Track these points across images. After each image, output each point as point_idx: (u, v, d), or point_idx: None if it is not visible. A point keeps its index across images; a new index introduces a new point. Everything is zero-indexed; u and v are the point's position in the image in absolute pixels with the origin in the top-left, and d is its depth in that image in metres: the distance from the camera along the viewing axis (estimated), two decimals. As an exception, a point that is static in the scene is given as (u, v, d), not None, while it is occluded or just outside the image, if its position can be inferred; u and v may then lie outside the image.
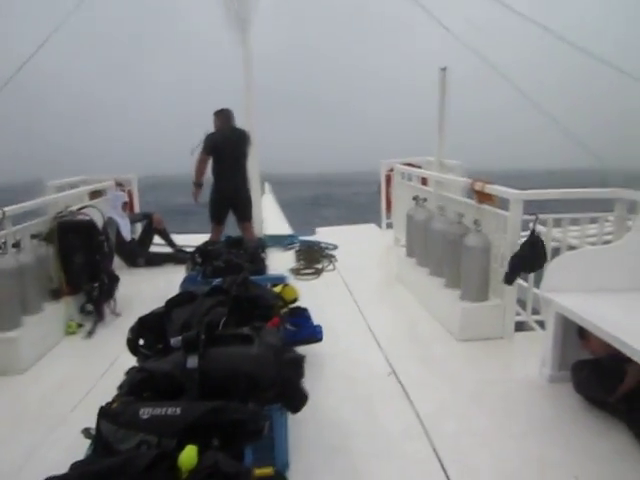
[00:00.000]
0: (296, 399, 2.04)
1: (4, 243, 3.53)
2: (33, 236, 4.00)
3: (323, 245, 6.51)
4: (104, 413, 1.70)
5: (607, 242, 3.61)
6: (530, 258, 3.29)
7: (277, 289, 3.14)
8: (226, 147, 5.60)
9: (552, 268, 2.99)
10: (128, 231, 5.98)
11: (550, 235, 3.58)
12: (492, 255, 3.65)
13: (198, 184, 5.70)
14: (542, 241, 3.31)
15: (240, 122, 5.89)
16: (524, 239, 3.38)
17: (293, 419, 2.28)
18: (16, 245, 3.64)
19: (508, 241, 3.47)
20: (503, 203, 3.70)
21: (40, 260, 3.88)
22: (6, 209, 3.75)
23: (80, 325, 4.06)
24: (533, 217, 3.40)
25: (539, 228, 3.46)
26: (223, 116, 5.65)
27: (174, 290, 3.16)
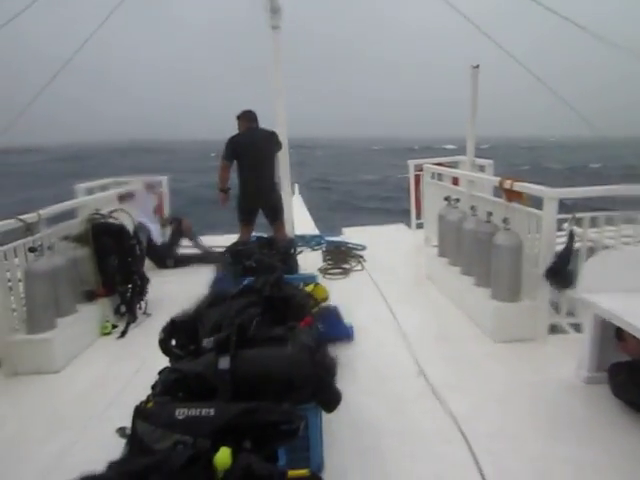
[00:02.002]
0: (331, 398, 2.03)
1: (40, 246, 3.61)
2: (65, 238, 4.09)
3: (351, 245, 6.48)
4: (139, 413, 1.72)
5: None
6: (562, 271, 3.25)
7: (308, 288, 3.13)
8: (248, 150, 5.47)
9: (589, 268, 2.91)
10: (159, 235, 6.08)
11: (586, 235, 3.49)
12: (525, 255, 3.59)
13: (222, 190, 5.60)
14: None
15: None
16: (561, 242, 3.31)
17: (326, 419, 2.27)
18: (50, 247, 3.71)
19: (543, 241, 3.39)
20: (535, 201, 3.63)
21: (73, 262, 3.95)
22: (41, 212, 3.83)
23: (115, 326, 4.14)
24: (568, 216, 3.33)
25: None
26: (245, 118, 5.55)
27: (202, 289, 3.18)
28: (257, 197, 5.57)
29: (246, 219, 5.66)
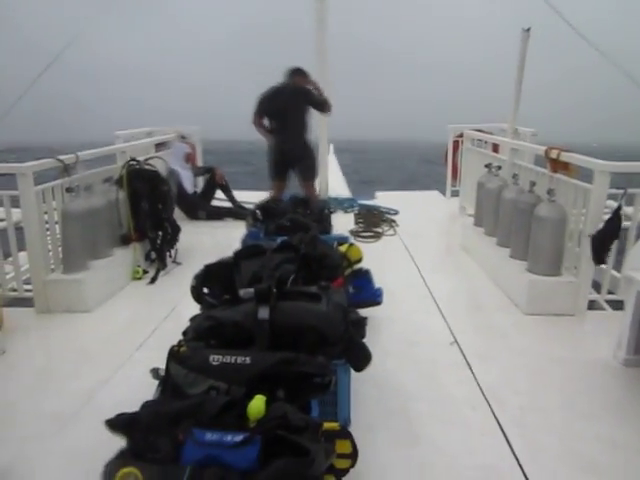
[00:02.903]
0: (361, 357, 2.01)
1: (77, 186, 3.63)
2: (106, 180, 4.12)
3: (383, 210, 6.39)
4: (173, 356, 1.71)
5: None
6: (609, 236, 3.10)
7: (342, 248, 3.08)
8: (273, 105, 5.44)
9: (638, 247, 2.79)
10: (191, 183, 6.08)
11: (638, 213, 3.35)
12: (568, 229, 3.47)
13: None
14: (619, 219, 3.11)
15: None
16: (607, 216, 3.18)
17: (354, 377, 2.25)
18: (88, 189, 3.73)
19: (590, 216, 3.25)
20: (583, 174, 3.48)
21: (110, 205, 4.00)
22: (79, 154, 3.84)
23: (145, 271, 4.19)
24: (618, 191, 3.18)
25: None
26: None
27: (233, 244, 3.16)
28: (283, 152, 5.53)
29: (276, 175, 5.64)
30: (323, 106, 5.48)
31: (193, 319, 2.01)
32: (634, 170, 3.29)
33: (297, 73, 5.49)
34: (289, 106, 5.42)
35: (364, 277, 3.35)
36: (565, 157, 3.54)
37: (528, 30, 5.11)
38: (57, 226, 3.65)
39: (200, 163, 7.04)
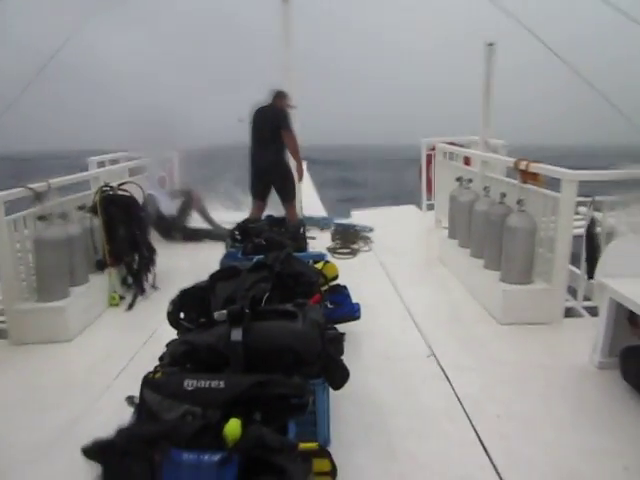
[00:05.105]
0: (338, 375, 2.02)
1: (50, 214, 3.59)
2: (79, 208, 4.08)
3: (359, 228, 6.43)
4: (147, 382, 1.71)
5: None
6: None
7: (318, 266, 3.10)
8: (253, 125, 5.61)
9: (608, 253, 2.86)
10: (169, 207, 6.05)
11: (606, 220, 3.43)
12: (538, 238, 3.53)
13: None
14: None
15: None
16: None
17: (333, 395, 2.26)
18: (63, 216, 3.69)
19: (561, 225, 3.32)
20: (551, 184, 3.56)
21: (87, 232, 3.97)
22: (51, 181, 3.81)
23: (122, 297, 4.14)
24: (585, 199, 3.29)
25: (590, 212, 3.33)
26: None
27: (212, 265, 3.15)
28: (259, 172, 5.61)
29: (254, 194, 5.69)
30: (288, 132, 5.52)
31: (169, 344, 2.00)
32: (599, 178, 3.39)
33: (278, 96, 5.60)
34: (266, 126, 5.49)
35: (342, 293, 3.37)
36: (533, 168, 3.62)
37: (492, 44, 5.25)
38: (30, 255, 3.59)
39: (178, 186, 7.02)
